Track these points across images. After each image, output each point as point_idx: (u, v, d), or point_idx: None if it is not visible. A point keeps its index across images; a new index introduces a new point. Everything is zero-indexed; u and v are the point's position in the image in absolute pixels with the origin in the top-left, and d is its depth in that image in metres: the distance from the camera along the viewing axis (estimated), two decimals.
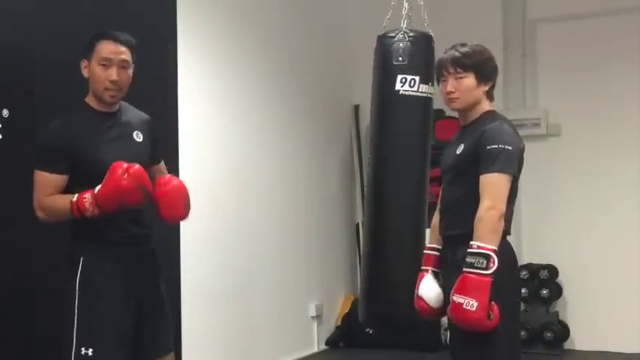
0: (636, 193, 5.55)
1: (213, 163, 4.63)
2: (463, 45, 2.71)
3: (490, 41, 5.77)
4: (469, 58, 2.66)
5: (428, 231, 3.09)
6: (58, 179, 2.68)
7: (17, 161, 3.25)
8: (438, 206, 2.84)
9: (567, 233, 5.72)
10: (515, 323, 2.67)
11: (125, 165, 2.61)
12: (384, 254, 3.52)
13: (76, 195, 2.62)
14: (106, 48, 2.76)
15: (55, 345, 3.33)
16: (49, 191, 2.68)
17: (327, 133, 6.05)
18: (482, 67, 2.67)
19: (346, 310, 5.97)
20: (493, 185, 2.53)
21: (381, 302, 3.48)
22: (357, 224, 6.28)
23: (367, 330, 5.59)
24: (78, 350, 2.65)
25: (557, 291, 5.61)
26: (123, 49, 2.78)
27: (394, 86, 3.57)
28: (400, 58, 3.58)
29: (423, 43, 3.57)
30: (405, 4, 3.76)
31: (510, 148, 2.56)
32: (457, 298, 2.47)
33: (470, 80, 2.67)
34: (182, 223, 3.77)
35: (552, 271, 5.61)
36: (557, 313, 5.63)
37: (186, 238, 4.22)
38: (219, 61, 4.81)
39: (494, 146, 2.54)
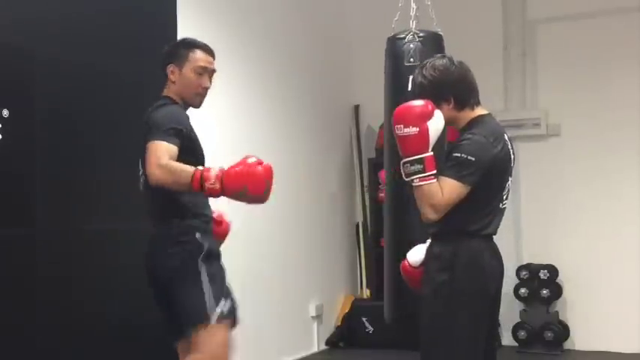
0: (636, 192, 5.55)
1: (213, 163, 4.61)
2: (420, 70, 2.79)
3: (490, 41, 5.88)
4: (420, 88, 2.75)
5: None
6: (175, 150, 2.76)
7: (17, 161, 3.25)
8: None
9: (567, 233, 5.72)
10: (479, 319, 2.69)
11: (255, 157, 2.79)
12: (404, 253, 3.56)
13: (206, 172, 2.70)
14: (202, 57, 2.99)
15: (55, 345, 3.34)
16: (166, 155, 2.73)
17: (327, 133, 6.06)
18: (434, 92, 2.72)
19: (346, 310, 5.98)
20: (444, 187, 2.60)
21: (406, 300, 3.52)
22: (357, 224, 6.28)
23: (367, 330, 5.62)
24: (212, 311, 2.92)
25: (557, 291, 5.61)
26: (212, 59, 3.04)
27: (407, 87, 3.58)
28: (411, 59, 3.59)
29: (433, 43, 3.57)
30: (413, 5, 3.77)
31: (473, 159, 2.60)
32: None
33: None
34: None
35: (552, 271, 5.61)
36: (557, 313, 5.64)
37: None
38: (218, 61, 4.79)
39: (457, 154, 2.62)
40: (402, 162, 2.63)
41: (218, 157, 4.71)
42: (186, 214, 2.88)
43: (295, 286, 5.52)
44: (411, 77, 3.44)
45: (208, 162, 4.56)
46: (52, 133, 3.42)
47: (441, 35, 3.67)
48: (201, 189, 2.69)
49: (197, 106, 3.06)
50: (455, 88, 2.73)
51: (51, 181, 3.41)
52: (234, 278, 4.81)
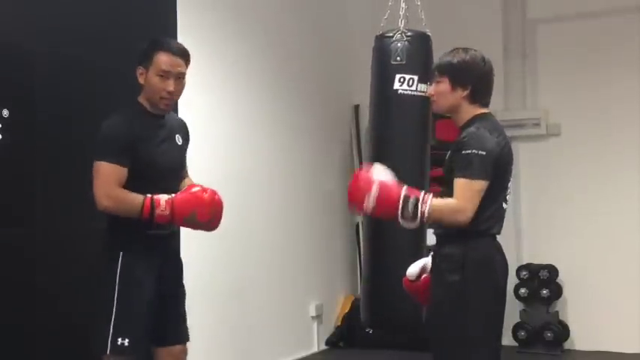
0: (636, 192, 5.55)
1: (213, 163, 4.62)
2: (454, 50, 2.80)
3: (490, 41, 5.87)
4: (447, 64, 2.76)
5: (429, 230, 3.11)
6: (122, 171, 2.78)
7: (17, 161, 3.25)
8: None
9: (567, 233, 5.72)
10: (494, 318, 2.70)
11: (200, 186, 2.83)
12: (383, 254, 3.53)
13: (157, 202, 2.74)
14: (165, 60, 2.87)
15: (55, 345, 3.35)
16: (116, 182, 2.77)
17: (327, 133, 6.06)
18: (457, 72, 2.74)
19: (346, 310, 5.97)
20: (465, 189, 2.59)
21: (382, 303, 3.50)
22: (357, 224, 6.28)
23: (367, 330, 5.61)
24: (114, 340, 2.76)
25: (557, 291, 5.60)
26: (180, 61, 2.91)
27: (392, 85, 3.58)
28: (398, 58, 3.60)
29: (420, 42, 3.58)
30: (403, 5, 3.78)
31: (484, 152, 2.60)
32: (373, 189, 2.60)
33: (444, 85, 2.76)
34: None
35: (552, 271, 5.61)
36: (557, 313, 5.64)
37: (186, 238, 4.21)
38: (218, 61, 4.81)
39: (468, 151, 2.61)
40: (400, 221, 2.59)
41: (218, 158, 4.73)
42: (115, 229, 2.86)
43: (295, 286, 5.52)
44: (396, 75, 3.44)
45: (210, 163, 4.60)
46: (52, 133, 3.42)
47: (429, 36, 3.67)
48: (151, 216, 2.73)
49: (164, 110, 2.95)
50: (477, 80, 2.76)
51: (51, 181, 3.41)
52: (234, 278, 4.83)
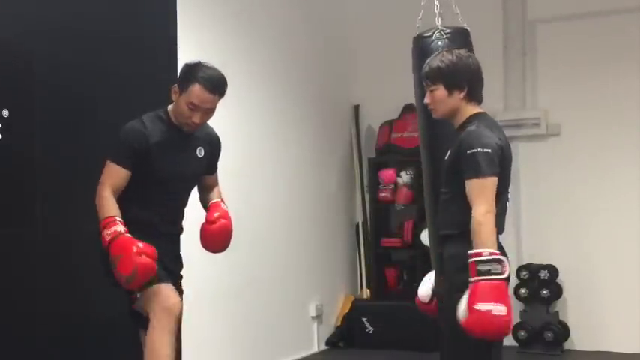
0: (636, 192, 5.55)
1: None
2: (439, 55, 2.81)
3: (490, 41, 5.87)
4: (437, 70, 2.75)
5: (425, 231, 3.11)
6: (125, 174, 2.95)
7: (17, 161, 3.25)
8: None
9: (567, 233, 5.72)
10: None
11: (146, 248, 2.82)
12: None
13: (112, 225, 2.85)
14: (198, 94, 2.93)
15: (55, 345, 3.34)
16: (114, 181, 2.93)
17: (327, 133, 6.06)
18: (449, 76, 2.73)
19: (346, 310, 5.98)
20: (481, 190, 2.58)
21: None
22: (357, 224, 6.28)
23: (367, 330, 5.61)
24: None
25: (557, 291, 5.60)
26: (213, 97, 2.96)
27: None
28: None
29: (461, 38, 3.53)
30: (437, 3, 3.75)
31: (489, 150, 2.60)
32: (483, 306, 2.46)
33: (440, 92, 2.76)
34: (181, 223, 3.77)
35: (552, 271, 5.60)
36: (557, 313, 5.63)
37: (186, 238, 4.21)
38: (218, 61, 4.79)
39: (473, 150, 2.60)
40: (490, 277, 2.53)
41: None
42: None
43: (295, 286, 5.52)
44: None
45: None
46: (52, 133, 3.42)
47: (467, 30, 3.64)
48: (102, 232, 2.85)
49: (187, 132, 3.05)
50: (471, 79, 2.75)
51: (51, 181, 3.41)
52: (234, 278, 4.83)
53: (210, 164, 3.22)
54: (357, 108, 6.35)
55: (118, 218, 2.85)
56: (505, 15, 5.97)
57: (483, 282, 2.48)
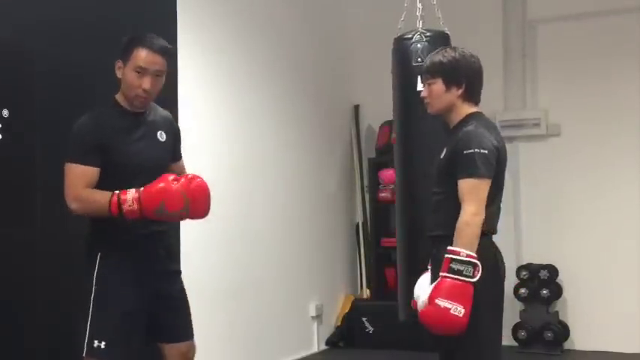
0: (636, 192, 5.55)
1: (213, 163, 4.63)
2: (442, 50, 2.80)
3: (490, 42, 5.88)
4: (437, 65, 2.75)
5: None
6: (93, 172, 2.74)
7: (17, 161, 3.25)
8: None
9: (567, 233, 5.71)
10: (499, 317, 2.72)
11: (175, 175, 2.72)
12: (417, 254, 3.55)
13: (123, 195, 2.68)
14: (143, 56, 2.80)
15: (55, 345, 3.34)
16: (84, 184, 2.73)
17: (327, 133, 6.06)
18: (450, 72, 2.73)
19: (346, 310, 5.98)
20: (473, 190, 2.58)
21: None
22: (357, 224, 6.28)
23: (367, 330, 5.61)
24: (91, 342, 2.74)
25: (557, 291, 5.60)
26: (158, 58, 2.83)
27: (415, 87, 3.59)
28: (419, 59, 3.60)
29: (440, 42, 3.58)
30: (419, 5, 3.78)
31: (486, 151, 2.60)
32: (443, 303, 2.51)
33: (438, 86, 2.75)
34: (182, 223, 3.77)
35: (552, 271, 5.60)
36: (557, 313, 5.63)
37: (186, 238, 4.21)
38: (218, 61, 4.81)
39: (470, 151, 2.59)
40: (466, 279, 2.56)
41: (218, 158, 4.73)
42: (94, 230, 2.86)
43: (295, 286, 5.52)
44: (418, 76, 3.46)
45: (211, 163, 4.59)
46: (52, 133, 3.41)
47: (447, 34, 3.68)
48: (120, 213, 2.68)
49: (139, 108, 2.87)
50: (470, 77, 2.74)
51: (51, 181, 3.40)
52: (234, 278, 4.83)
53: (174, 149, 3.04)
54: (357, 108, 6.35)
55: (117, 191, 2.68)
56: (505, 15, 5.97)
57: (451, 280, 2.53)
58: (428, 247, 2.83)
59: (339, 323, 5.97)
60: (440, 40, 3.61)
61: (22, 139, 3.25)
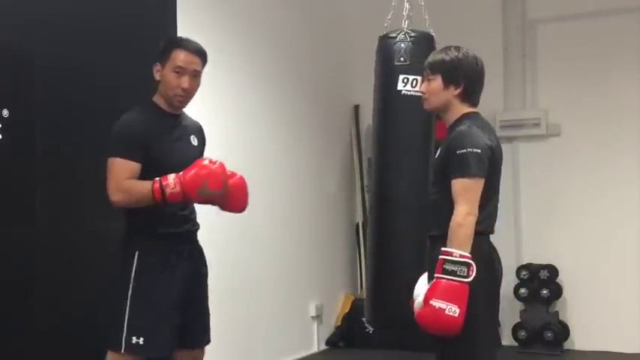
0: (636, 192, 5.55)
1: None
2: (446, 48, 2.81)
3: (490, 42, 5.88)
4: (439, 62, 2.75)
5: None
6: (135, 166, 2.81)
7: (17, 161, 3.25)
8: None
9: (567, 233, 5.72)
10: (494, 317, 2.75)
11: (209, 159, 2.84)
12: (387, 254, 3.55)
13: (165, 180, 2.75)
14: (181, 57, 2.93)
15: (55, 345, 3.35)
16: (127, 177, 2.80)
17: (327, 133, 6.06)
18: (449, 70, 2.73)
19: (346, 310, 5.98)
20: (466, 190, 2.58)
21: (386, 302, 3.51)
22: (357, 224, 6.28)
23: (367, 330, 5.61)
24: (129, 338, 2.78)
25: (557, 291, 5.60)
26: (196, 58, 2.98)
27: (396, 86, 3.58)
28: (402, 59, 3.60)
29: (424, 43, 3.58)
30: (406, 5, 3.78)
31: (479, 150, 2.59)
32: (438, 303, 2.51)
33: (437, 83, 2.75)
34: None
35: (552, 271, 5.61)
36: (557, 313, 5.64)
37: None
38: (218, 61, 4.80)
39: (462, 150, 2.59)
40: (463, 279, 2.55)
41: (218, 158, 4.72)
42: (131, 229, 2.90)
43: (295, 286, 5.52)
44: (399, 76, 3.47)
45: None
46: (52, 133, 3.42)
47: (432, 36, 3.68)
48: (163, 198, 2.74)
49: (176, 108, 2.99)
50: (470, 79, 2.74)
51: (51, 181, 3.41)
52: (234, 278, 4.83)
53: (201, 154, 3.16)
54: (357, 108, 6.36)
55: (157, 178, 2.75)
56: (505, 15, 5.97)
57: (445, 281, 2.53)
58: (427, 247, 2.83)
59: (339, 323, 5.98)
60: (424, 41, 3.61)
61: (22, 139, 3.26)
